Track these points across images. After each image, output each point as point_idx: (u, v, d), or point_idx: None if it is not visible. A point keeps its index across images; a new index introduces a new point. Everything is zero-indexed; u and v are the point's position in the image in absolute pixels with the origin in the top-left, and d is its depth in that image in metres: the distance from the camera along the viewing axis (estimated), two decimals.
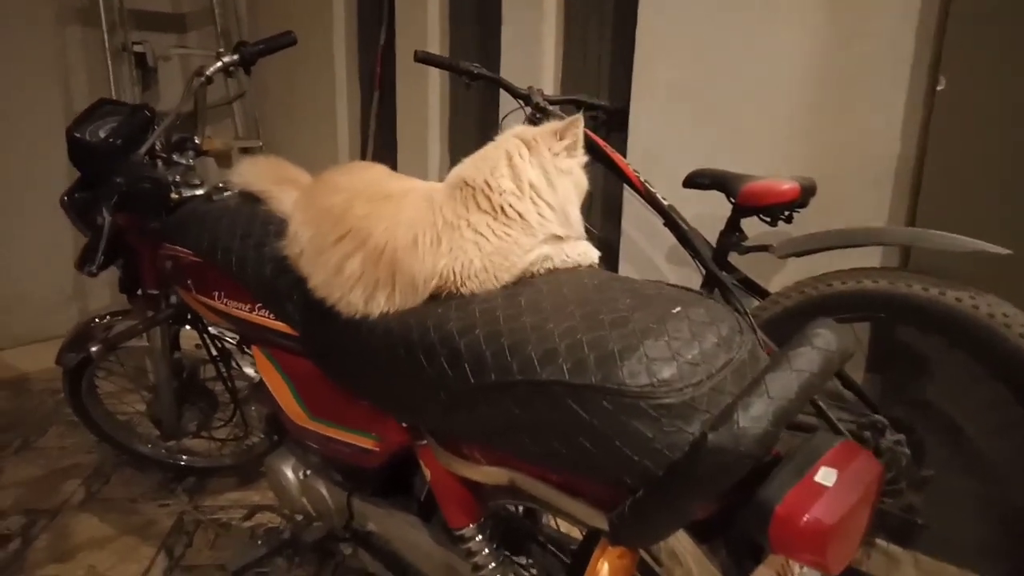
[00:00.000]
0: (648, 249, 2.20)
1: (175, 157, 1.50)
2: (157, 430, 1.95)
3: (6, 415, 2.55)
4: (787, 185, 1.57)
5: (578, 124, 0.99)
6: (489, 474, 0.94)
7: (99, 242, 1.29)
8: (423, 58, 1.98)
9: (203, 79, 1.54)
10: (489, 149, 1.01)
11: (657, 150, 2.08)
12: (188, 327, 1.76)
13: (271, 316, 1.21)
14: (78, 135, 1.38)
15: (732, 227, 1.72)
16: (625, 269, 2.24)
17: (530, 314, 0.84)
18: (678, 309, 0.80)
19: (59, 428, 2.43)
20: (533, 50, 2.34)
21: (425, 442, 1.03)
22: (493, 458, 0.92)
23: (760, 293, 1.77)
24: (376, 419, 1.09)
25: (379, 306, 0.98)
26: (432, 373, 0.88)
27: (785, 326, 1.60)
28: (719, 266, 1.74)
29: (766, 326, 1.61)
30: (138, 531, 1.89)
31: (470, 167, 1.00)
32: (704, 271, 1.75)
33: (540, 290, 0.90)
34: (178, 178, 1.46)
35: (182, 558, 1.79)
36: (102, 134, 1.41)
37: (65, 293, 3.15)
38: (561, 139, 0.99)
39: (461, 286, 0.93)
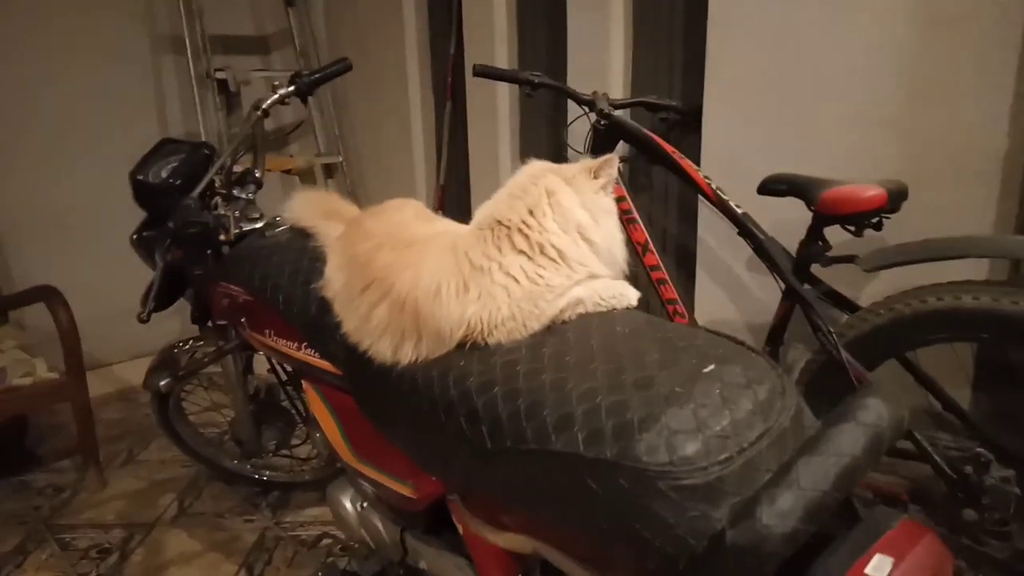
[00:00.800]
0: (728, 258, 2.07)
1: (235, 192, 1.53)
2: (239, 448, 2.02)
3: (117, 426, 2.73)
4: (871, 191, 1.42)
5: (612, 163, 0.92)
6: (512, 541, 0.88)
7: (151, 288, 1.33)
8: (481, 72, 1.94)
9: (259, 113, 1.56)
10: (522, 186, 0.96)
11: (734, 153, 1.95)
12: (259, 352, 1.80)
13: (316, 355, 1.21)
14: (140, 177, 1.43)
15: (813, 236, 1.57)
16: (703, 280, 2.12)
17: (552, 370, 0.78)
18: (711, 368, 0.72)
19: (161, 441, 2.57)
20: (600, 52, 2.25)
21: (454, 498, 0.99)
22: (515, 523, 0.87)
23: (848, 307, 1.62)
24: (412, 468, 1.06)
25: (407, 355, 0.95)
26: (452, 430, 0.83)
27: (874, 346, 1.46)
28: (800, 278, 1.60)
29: (853, 344, 1.47)
30: (223, 547, 1.97)
31: (504, 206, 0.95)
32: (783, 284, 1.62)
33: (567, 340, 0.84)
34: (237, 213, 1.49)
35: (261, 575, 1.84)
36: (163, 174, 1.46)
37: (172, 308, 3.34)
38: (596, 177, 0.92)
39: (488, 335, 0.88)
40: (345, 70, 1.69)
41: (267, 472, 2.18)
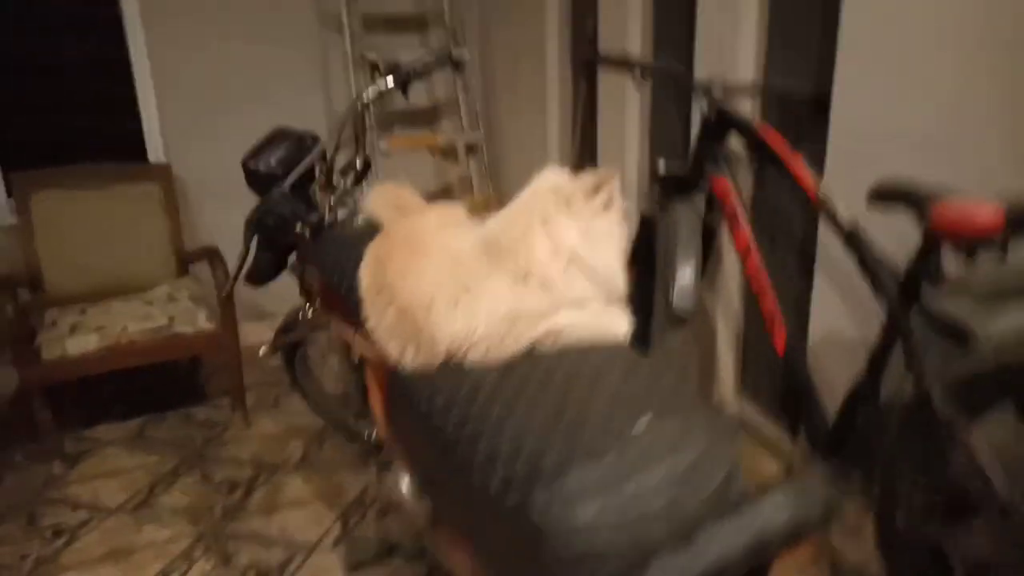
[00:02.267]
0: (851, 267, 1.88)
1: (335, 180, 1.66)
2: (349, 407, 2.21)
3: (274, 373, 3.08)
4: (985, 210, 1.21)
5: (611, 180, 0.89)
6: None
7: (238, 269, 1.48)
8: (599, 58, 1.90)
9: (360, 106, 1.66)
10: (525, 203, 0.95)
11: (865, 148, 1.74)
12: None
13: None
14: (250, 164, 1.59)
15: (925, 256, 1.38)
16: (821, 290, 1.94)
17: (505, 401, 0.79)
18: (645, 421, 0.69)
19: None
20: (730, 32, 2.10)
21: None
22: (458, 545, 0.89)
23: (963, 341, 1.41)
24: None
25: (410, 359, 0.99)
26: (419, 442, 0.87)
27: (976, 393, 1.27)
28: (906, 305, 1.43)
29: (953, 388, 1.29)
30: (329, 497, 2.18)
31: (504, 224, 0.95)
32: (886, 310, 1.45)
33: (536, 370, 0.84)
34: (332, 201, 1.61)
35: (353, 529, 2.02)
36: (272, 162, 1.61)
37: None
38: (595, 195, 0.90)
39: (467, 353, 0.90)
40: (443, 64, 1.73)
41: (374, 432, 2.36)
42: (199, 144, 3.18)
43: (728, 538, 0.57)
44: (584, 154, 2.93)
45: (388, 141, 3.07)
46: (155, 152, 3.13)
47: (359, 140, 1.70)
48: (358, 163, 1.69)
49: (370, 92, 1.68)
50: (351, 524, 2.04)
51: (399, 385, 1.02)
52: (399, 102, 3.41)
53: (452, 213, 1.14)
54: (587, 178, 0.91)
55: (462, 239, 1.03)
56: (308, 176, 1.63)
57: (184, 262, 2.95)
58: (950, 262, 1.37)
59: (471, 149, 3.35)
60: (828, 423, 1.66)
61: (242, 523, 2.07)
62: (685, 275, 1.82)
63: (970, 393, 1.28)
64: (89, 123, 3.11)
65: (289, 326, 2.13)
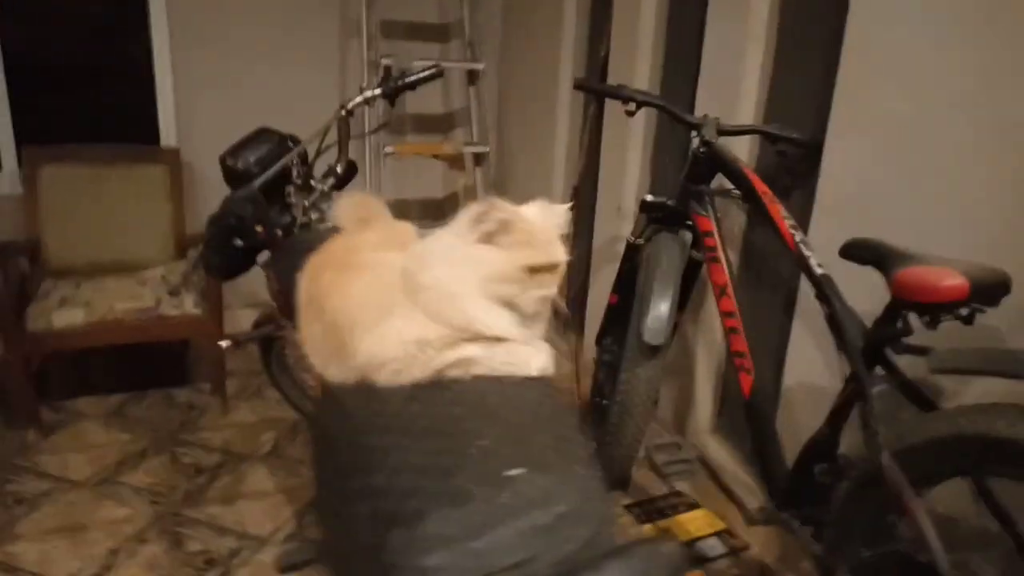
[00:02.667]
0: None
1: (314, 183, 1.66)
2: None
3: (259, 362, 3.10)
4: (951, 279, 1.18)
5: (493, 208, 0.87)
6: None
7: (194, 265, 1.49)
8: (580, 85, 1.90)
9: (344, 112, 1.67)
10: (440, 233, 0.95)
11: (852, 199, 1.71)
12: None
13: None
14: (227, 161, 1.60)
15: (891, 317, 1.35)
16: (798, 335, 1.90)
17: (394, 432, 0.78)
18: (517, 472, 0.67)
19: None
20: (732, 71, 2.08)
21: None
22: None
23: (926, 406, 1.38)
24: None
25: (331, 375, 0.99)
26: (319, 459, 0.86)
27: (929, 462, 1.24)
28: (869, 362, 1.39)
29: (905, 453, 1.25)
30: (290, 492, 2.18)
31: (418, 251, 0.95)
32: (850, 366, 1.42)
33: (438, 400, 0.83)
34: (307, 204, 1.61)
35: (307, 527, 2.02)
36: (251, 159, 1.62)
37: None
38: (478, 224, 0.89)
39: (376, 373, 0.89)
40: (435, 76, 1.74)
41: None
42: (211, 131, 3.20)
43: None
44: (588, 176, 2.91)
45: (394, 147, 3.08)
46: (167, 136, 3.17)
47: (342, 146, 1.71)
48: (339, 168, 1.69)
49: (356, 99, 1.69)
50: (305, 522, 2.04)
51: (322, 400, 1.02)
52: (414, 107, 3.43)
53: (398, 231, 1.13)
54: (473, 207, 0.90)
55: (394, 261, 1.02)
56: (286, 178, 1.64)
57: (183, 246, 2.98)
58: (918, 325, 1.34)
59: (478, 159, 3.35)
60: (786, 473, 1.63)
61: (200, 509, 2.08)
62: (659, 308, 1.80)
63: (923, 461, 1.25)
64: (106, 102, 3.18)
65: (261, 322, 2.15)
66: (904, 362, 1.39)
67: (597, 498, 0.67)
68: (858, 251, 1.40)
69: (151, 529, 1.99)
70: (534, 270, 0.87)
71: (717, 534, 2.13)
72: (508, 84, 3.49)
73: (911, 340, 1.35)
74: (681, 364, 2.40)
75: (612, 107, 2.69)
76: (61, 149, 2.81)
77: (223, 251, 1.50)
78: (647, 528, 2.13)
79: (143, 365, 2.98)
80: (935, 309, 1.23)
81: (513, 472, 0.68)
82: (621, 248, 2.13)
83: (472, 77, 3.31)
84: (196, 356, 3.08)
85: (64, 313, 2.40)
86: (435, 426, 0.78)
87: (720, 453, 2.28)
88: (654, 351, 1.82)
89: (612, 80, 2.65)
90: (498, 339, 0.88)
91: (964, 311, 1.25)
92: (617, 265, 2.13)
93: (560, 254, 0.89)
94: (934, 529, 1.19)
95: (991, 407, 1.17)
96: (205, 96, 3.16)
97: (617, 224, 2.69)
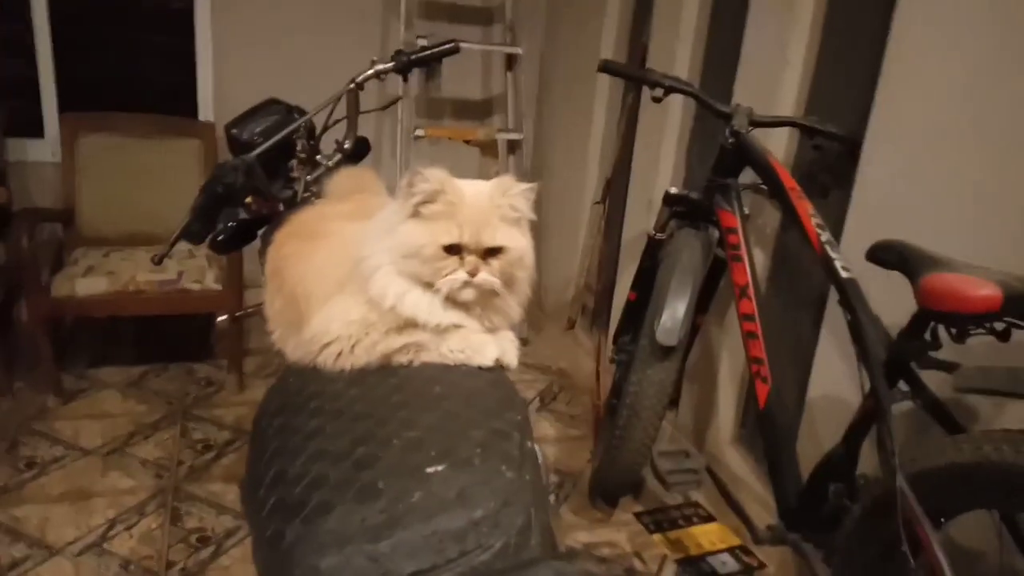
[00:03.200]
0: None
1: (320, 159, 1.61)
2: None
3: None
4: (982, 289, 1.06)
5: (418, 177, 0.79)
6: None
7: (178, 234, 1.45)
8: (605, 67, 1.80)
9: (353, 86, 1.62)
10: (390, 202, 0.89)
11: (890, 202, 1.57)
12: None
13: None
14: (233, 131, 1.57)
15: (917, 327, 1.23)
16: (825, 345, 1.77)
17: (324, 416, 0.72)
18: (438, 469, 0.60)
19: None
20: (773, 62, 1.95)
21: None
22: None
23: (952, 427, 1.25)
24: None
25: (290, 352, 0.94)
26: (255, 437, 0.81)
27: (949, 490, 1.11)
28: (893, 377, 1.27)
29: (921, 478, 1.13)
30: None
31: (368, 223, 0.89)
32: (868, 380, 1.30)
33: (381, 386, 0.76)
34: (308, 178, 1.57)
35: None
36: (256, 130, 1.58)
37: None
38: (409, 195, 0.81)
39: (320, 354, 0.83)
40: (450, 52, 1.67)
41: None
42: (248, 107, 3.22)
43: None
44: (622, 169, 2.81)
45: (425, 129, 3.03)
46: (205, 109, 3.19)
47: (350, 121, 1.65)
48: (347, 144, 1.64)
49: (366, 72, 1.63)
50: None
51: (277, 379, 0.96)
52: (451, 92, 3.37)
53: (374, 204, 1.07)
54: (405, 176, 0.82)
55: (359, 232, 0.96)
56: (292, 151, 1.60)
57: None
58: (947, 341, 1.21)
59: (512, 147, 3.28)
60: (799, 491, 1.52)
61: (202, 485, 2.08)
62: (674, 307, 1.70)
63: (943, 489, 1.13)
64: (149, 73, 3.21)
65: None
66: (934, 380, 1.27)
67: (518, 504, 0.59)
68: (885, 254, 1.28)
69: (152, 502, 1.99)
70: (453, 249, 0.79)
71: (731, 550, 2.01)
72: (548, 71, 3.40)
73: (942, 355, 1.22)
74: (703, 370, 2.28)
75: (648, 96, 2.57)
76: (100, 118, 2.85)
77: (208, 219, 1.47)
78: (656, 538, 2.04)
79: (168, 338, 3.01)
80: (964, 320, 1.10)
81: (431, 469, 0.61)
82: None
83: (511, 62, 3.23)
84: (219, 332, 3.10)
85: (88, 281, 2.43)
86: (369, 412, 0.71)
87: (740, 466, 2.16)
88: (667, 352, 1.71)
89: (650, 64, 2.54)
90: (446, 327, 0.81)
91: (998, 325, 1.12)
92: (637, 267, 2.04)
93: (498, 237, 0.80)
94: (951, 564, 1.07)
95: (1018, 432, 1.04)
96: (244, 70, 3.16)
97: (647, 219, 2.58)
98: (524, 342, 3.34)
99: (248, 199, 1.44)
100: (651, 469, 1.76)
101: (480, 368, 0.81)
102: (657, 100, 1.79)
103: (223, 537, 1.87)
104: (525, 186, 0.84)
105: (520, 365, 2.85)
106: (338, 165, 1.63)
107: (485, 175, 3.48)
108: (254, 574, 0.63)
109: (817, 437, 1.77)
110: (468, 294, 0.81)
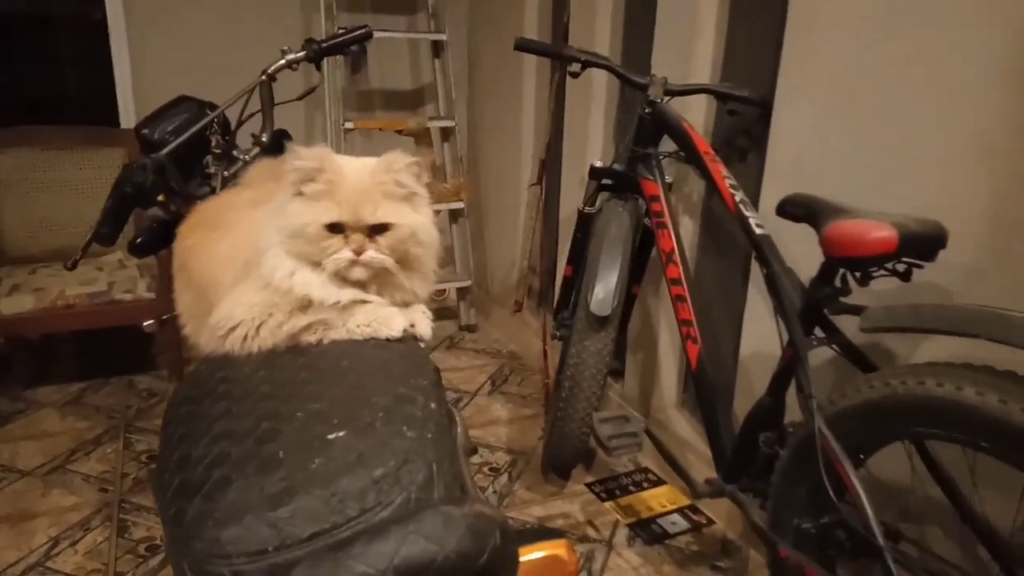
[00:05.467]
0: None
1: (236, 154, 1.59)
2: None
3: None
4: (877, 232, 1.11)
5: (295, 156, 0.80)
6: None
7: (90, 236, 1.42)
8: (520, 45, 1.81)
9: (265, 77, 1.60)
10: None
11: (803, 161, 1.63)
12: None
13: None
14: (143, 132, 1.53)
15: (826, 275, 1.28)
16: (754, 300, 1.83)
17: (229, 399, 0.72)
18: (337, 435, 0.61)
19: None
20: (686, 31, 1.99)
21: None
22: None
23: (867, 368, 1.31)
24: None
25: (203, 344, 0.93)
26: (163, 434, 0.80)
27: (865, 426, 1.17)
28: (809, 325, 1.32)
29: (840, 417, 1.18)
30: None
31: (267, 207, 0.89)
32: (786, 328, 1.35)
33: (288, 366, 0.77)
34: (226, 173, 1.54)
35: None
36: (168, 129, 1.55)
37: None
38: (290, 174, 0.82)
39: (226, 339, 0.83)
40: (363, 38, 1.66)
41: None
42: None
43: (322, 574, 0.50)
44: (555, 148, 2.83)
45: (355, 122, 3.00)
46: (127, 117, 3.11)
47: (265, 113, 1.63)
48: (264, 137, 1.62)
49: (277, 62, 1.61)
50: None
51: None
52: (379, 83, 3.35)
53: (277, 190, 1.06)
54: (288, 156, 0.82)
55: (259, 217, 0.95)
56: (206, 148, 1.57)
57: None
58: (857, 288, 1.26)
59: (446, 134, 3.27)
60: (733, 444, 1.56)
61: (148, 496, 2.04)
62: (606, 278, 1.73)
63: (860, 427, 1.18)
64: (64, 84, 3.11)
65: None
66: (850, 326, 1.32)
67: (419, 461, 0.61)
68: (792, 208, 1.33)
69: (97, 517, 1.95)
70: (335, 228, 0.79)
71: (680, 510, 2.07)
72: (476, 56, 3.40)
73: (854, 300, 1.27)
74: (645, 338, 2.33)
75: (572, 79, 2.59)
76: (17, 132, 2.75)
77: (117, 221, 1.44)
78: (608, 505, 2.08)
79: (106, 352, 2.93)
80: (864, 263, 1.16)
81: (332, 435, 0.62)
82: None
83: (437, 49, 3.22)
84: (161, 341, 3.03)
85: (13, 300, 2.35)
86: (274, 391, 0.72)
87: (685, 428, 2.21)
88: (602, 322, 1.75)
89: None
90: (346, 303, 0.82)
91: (898, 266, 1.17)
92: (570, 242, 2.06)
93: (380, 214, 0.81)
94: (873, 498, 1.12)
95: (926, 367, 1.10)
96: (163, 74, 3.08)
97: (582, 196, 2.61)
98: (472, 328, 3.35)
99: (161, 198, 1.41)
100: (592, 436, 1.80)
101: (389, 340, 0.82)
102: (574, 75, 1.81)
103: None
104: (410, 160, 0.84)
105: (470, 350, 2.88)
106: (256, 159, 1.61)
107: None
108: None
109: (752, 391, 1.83)
110: (358, 272, 0.81)
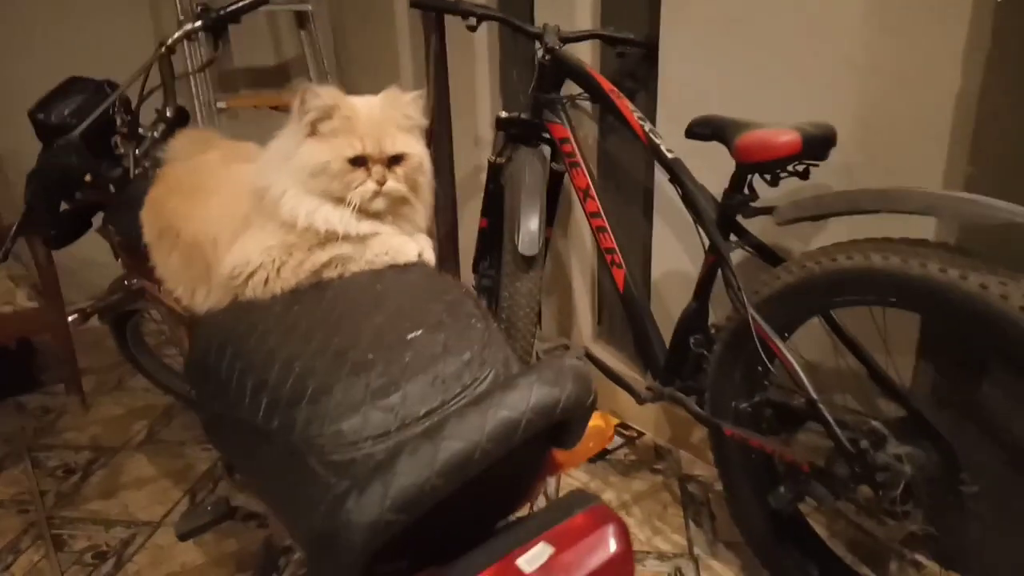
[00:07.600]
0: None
1: (142, 131, 1.53)
2: None
3: (115, 354, 2.86)
4: (784, 136, 1.28)
5: (310, 94, 0.85)
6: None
7: (17, 229, 1.34)
8: (416, 3, 1.85)
9: (163, 49, 1.54)
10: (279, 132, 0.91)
11: (690, 92, 1.80)
12: None
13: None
14: (38, 116, 1.44)
15: (737, 184, 1.45)
16: (660, 225, 2.00)
17: (279, 336, 0.75)
18: (417, 334, 0.67)
19: None
20: None
21: None
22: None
23: (777, 262, 1.50)
24: None
25: (200, 302, 0.93)
26: (202, 384, 0.82)
27: (787, 306, 1.35)
28: (724, 230, 1.49)
29: (766, 303, 1.36)
30: (176, 474, 2.06)
31: (262, 157, 0.91)
32: (706, 238, 1.51)
33: (321, 299, 0.80)
34: (137, 152, 1.48)
35: (201, 503, 1.92)
36: (65, 112, 1.46)
37: None
38: (303, 115, 0.86)
39: (245, 286, 0.85)
40: (257, 4, 1.63)
41: None
42: (22, 108, 2.87)
43: (472, 423, 0.56)
44: (441, 111, 2.87)
45: (227, 101, 2.89)
46: None
47: (167, 88, 1.57)
48: (168, 112, 1.56)
49: (176, 34, 1.55)
50: (199, 498, 1.94)
51: (195, 332, 0.95)
52: (243, 60, 3.22)
53: (241, 149, 1.07)
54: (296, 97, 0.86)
55: (243, 173, 0.96)
56: (111, 128, 1.50)
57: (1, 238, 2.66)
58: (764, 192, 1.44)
59: None
60: (665, 351, 1.73)
61: (78, 508, 1.93)
62: (529, 219, 1.82)
63: (781, 309, 1.36)
64: None
65: (112, 293, 1.97)
66: (756, 228, 1.51)
67: (496, 344, 0.68)
68: (701, 128, 1.48)
69: (25, 538, 1.82)
70: (357, 161, 0.84)
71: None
72: (342, 23, 3.35)
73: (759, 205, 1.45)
74: (557, 279, 2.46)
75: (453, 34, 2.65)
76: None
77: (51, 208, 1.35)
78: None
79: None
80: (774, 165, 1.33)
81: (410, 336, 0.67)
82: (484, 176, 2.13)
83: (302, 20, 3.14)
84: (43, 356, 2.80)
85: None
86: (324, 317, 0.76)
87: (606, 357, 2.38)
88: (530, 263, 1.85)
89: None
90: (364, 235, 0.86)
91: (800, 167, 1.36)
92: (483, 195, 2.14)
93: (398, 144, 0.86)
94: (801, 364, 1.31)
95: (833, 247, 1.29)
96: (21, 82, 2.79)
97: (477, 155, 2.68)
98: None
99: (87, 178, 1.34)
100: None
101: (407, 265, 0.87)
102: (472, 29, 1.87)
103: (121, 547, 1.77)
104: (414, 94, 0.89)
105: None
106: (164, 135, 1.56)
107: None
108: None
109: (666, 309, 2.01)
110: (379, 203, 0.86)
